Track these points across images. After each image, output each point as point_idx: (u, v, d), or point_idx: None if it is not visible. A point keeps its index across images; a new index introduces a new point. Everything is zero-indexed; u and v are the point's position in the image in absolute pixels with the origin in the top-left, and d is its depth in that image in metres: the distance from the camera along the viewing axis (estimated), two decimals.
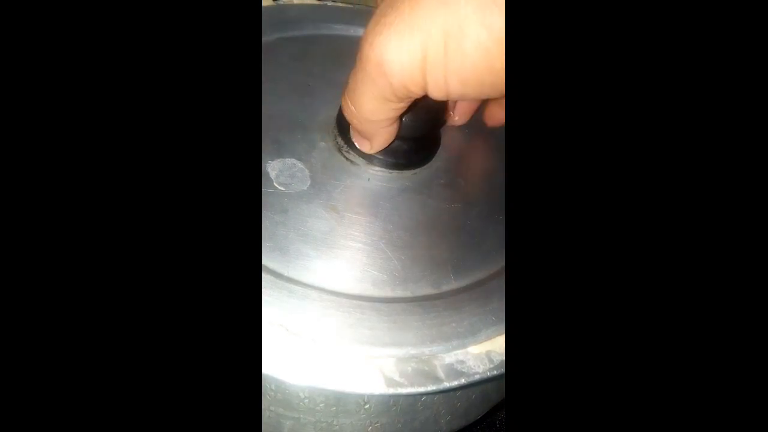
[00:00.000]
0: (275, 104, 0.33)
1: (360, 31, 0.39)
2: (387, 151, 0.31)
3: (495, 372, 0.25)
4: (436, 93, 0.25)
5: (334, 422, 0.28)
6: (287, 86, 0.35)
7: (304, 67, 0.37)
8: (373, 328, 0.26)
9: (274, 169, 0.31)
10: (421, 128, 0.31)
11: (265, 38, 0.38)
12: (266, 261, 0.27)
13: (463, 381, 0.25)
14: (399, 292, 0.28)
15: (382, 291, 0.28)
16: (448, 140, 0.35)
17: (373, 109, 0.27)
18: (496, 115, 0.36)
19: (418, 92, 0.26)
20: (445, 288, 0.29)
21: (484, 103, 0.36)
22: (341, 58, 0.37)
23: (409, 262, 0.29)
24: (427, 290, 0.28)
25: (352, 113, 0.28)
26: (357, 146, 0.32)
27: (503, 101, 0.34)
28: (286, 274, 0.27)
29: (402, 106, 0.27)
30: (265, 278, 0.27)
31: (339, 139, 0.32)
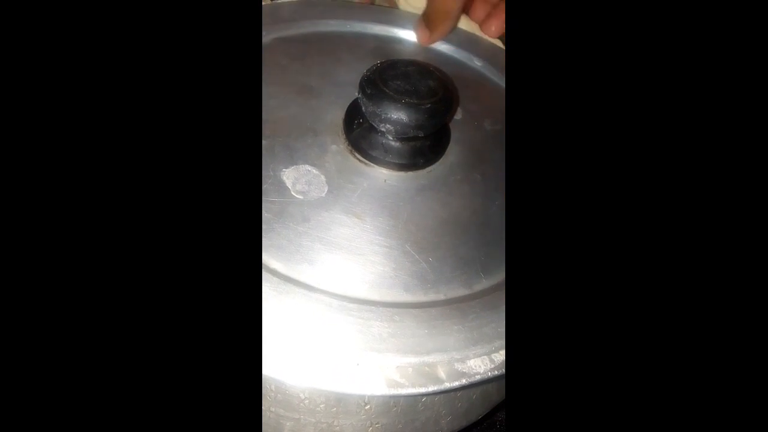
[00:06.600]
0: (280, 108, 0.33)
1: (357, 27, 0.40)
2: (400, 151, 0.31)
3: (496, 372, 0.25)
4: None
5: (335, 423, 0.28)
6: (289, 88, 0.35)
7: (303, 68, 0.36)
8: (414, 336, 0.26)
9: (289, 177, 0.30)
10: (433, 123, 0.30)
11: (263, 39, 0.37)
12: (295, 274, 0.27)
13: (464, 381, 0.25)
14: (432, 296, 0.28)
15: (415, 296, 0.27)
16: (456, 134, 0.35)
17: None
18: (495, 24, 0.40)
19: None
20: (478, 287, 0.28)
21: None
22: (340, 55, 0.37)
23: (438, 263, 0.29)
24: (460, 291, 0.28)
25: None
26: (418, 38, 0.40)
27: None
28: (318, 287, 0.27)
29: None
30: (297, 291, 0.26)
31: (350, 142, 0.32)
